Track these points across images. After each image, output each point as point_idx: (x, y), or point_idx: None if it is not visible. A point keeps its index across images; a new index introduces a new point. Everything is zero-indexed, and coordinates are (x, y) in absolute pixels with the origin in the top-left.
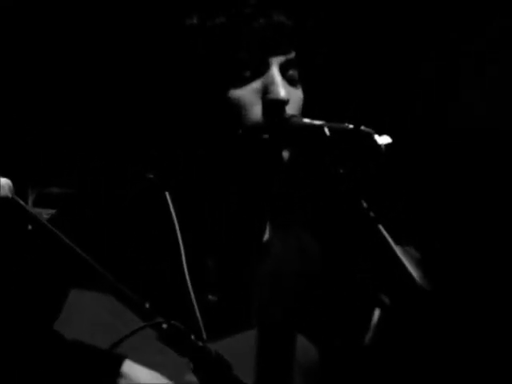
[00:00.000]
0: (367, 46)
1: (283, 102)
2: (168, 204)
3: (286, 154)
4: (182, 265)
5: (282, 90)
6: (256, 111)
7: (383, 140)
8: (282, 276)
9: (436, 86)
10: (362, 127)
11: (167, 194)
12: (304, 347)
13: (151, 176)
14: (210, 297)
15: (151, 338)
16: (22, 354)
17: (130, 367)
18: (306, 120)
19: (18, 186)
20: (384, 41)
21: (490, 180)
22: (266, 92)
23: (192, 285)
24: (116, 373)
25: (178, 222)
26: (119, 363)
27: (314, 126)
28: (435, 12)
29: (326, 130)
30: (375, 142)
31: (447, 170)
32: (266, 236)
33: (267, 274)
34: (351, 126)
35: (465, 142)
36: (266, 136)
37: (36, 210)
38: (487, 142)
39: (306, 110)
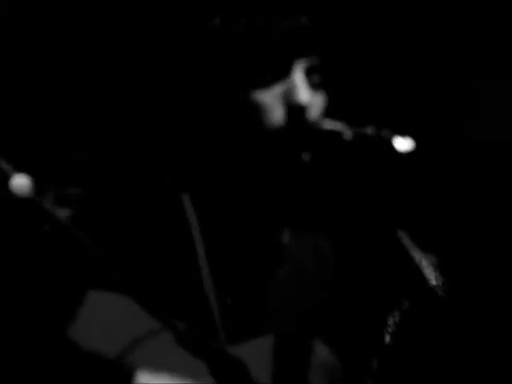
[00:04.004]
0: (390, 51)
1: (305, 107)
2: (187, 206)
3: (306, 158)
4: (201, 267)
5: (304, 94)
6: (277, 115)
7: (404, 145)
8: (299, 280)
9: (451, 96)
10: (383, 131)
11: (185, 195)
12: (321, 352)
13: (169, 178)
14: (228, 300)
15: (168, 340)
16: (32, 360)
17: (143, 377)
18: (327, 124)
19: (37, 185)
20: (404, 47)
21: (504, 190)
22: (287, 96)
23: (212, 286)
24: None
25: (198, 224)
26: (131, 376)
27: (334, 130)
28: (450, 25)
29: (346, 135)
30: (396, 147)
31: (471, 176)
32: (284, 240)
33: (284, 278)
34: (372, 131)
35: (476, 155)
36: (286, 140)
37: (55, 210)
38: (499, 154)
39: (328, 113)
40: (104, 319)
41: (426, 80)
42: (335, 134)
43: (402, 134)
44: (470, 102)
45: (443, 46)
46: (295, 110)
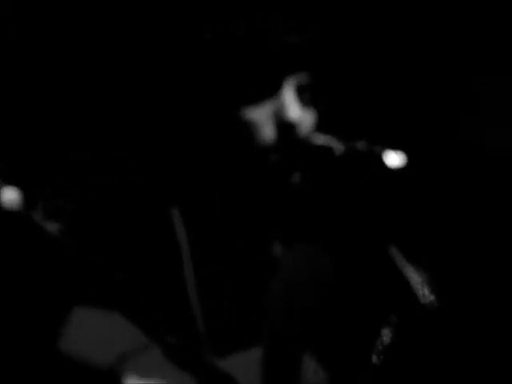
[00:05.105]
0: (381, 60)
1: (295, 124)
2: (176, 220)
3: (297, 175)
4: (189, 280)
5: (294, 112)
6: (268, 132)
7: (395, 160)
8: (292, 293)
9: (451, 98)
10: (374, 147)
11: (175, 210)
12: (308, 368)
13: (158, 192)
14: (216, 313)
15: (158, 354)
16: (22, 367)
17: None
18: (318, 139)
19: (27, 199)
20: (398, 54)
21: (501, 197)
22: (278, 113)
23: (199, 300)
24: None
25: (186, 237)
26: (119, 378)
27: (325, 146)
28: (449, 25)
29: (338, 150)
30: (387, 162)
31: (456, 186)
32: (278, 253)
33: (277, 291)
34: (362, 146)
35: (475, 157)
36: (276, 157)
37: (45, 224)
38: (498, 160)
39: (318, 128)
40: (91, 335)
41: (425, 81)
42: (326, 149)
43: (395, 147)
44: (470, 102)
45: (443, 47)
46: (285, 127)
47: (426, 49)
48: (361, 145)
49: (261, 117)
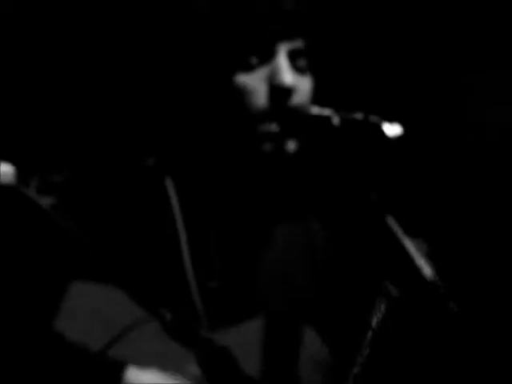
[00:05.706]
0: (382, 33)
1: (289, 89)
2: (169, 191)
3: (292, 145)
4: (183, 252)
5: (288, 76)
6: (261, 98)
7: (392, 131)
8: (287, 266)
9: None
10: (371, 117)
11: (169, 180)
12: (311, 338)
13: (152, 162)
14: (211, 284)
15: (154, 328)
16: (19, 356)
17: (132, 373)
18: (313, 109)
19: (21, 174)
20: (399, 27)
21: (506, 175)
22: (272, 79)
23: (194, 272)
24: (118, 380)
25: (180, 209)
26: (121, 370)
27: (322, 115)
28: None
29: (334, 120)
30: (384, 132)
31: (461, 163)
32: (273, 226)
33: (273, 260)
34: (360, 116)
35: (483, 135)
36: (271, 124)
37: (39, 198)
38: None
39: (315, 99)
40: (89, 310)
41: (422, 50)
42: (323, 120)
43: (391, 118)
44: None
45: (440, 30)
46: (279, 93)
47: (425, 17)
48: (358, 115)
49: (254, 82)
